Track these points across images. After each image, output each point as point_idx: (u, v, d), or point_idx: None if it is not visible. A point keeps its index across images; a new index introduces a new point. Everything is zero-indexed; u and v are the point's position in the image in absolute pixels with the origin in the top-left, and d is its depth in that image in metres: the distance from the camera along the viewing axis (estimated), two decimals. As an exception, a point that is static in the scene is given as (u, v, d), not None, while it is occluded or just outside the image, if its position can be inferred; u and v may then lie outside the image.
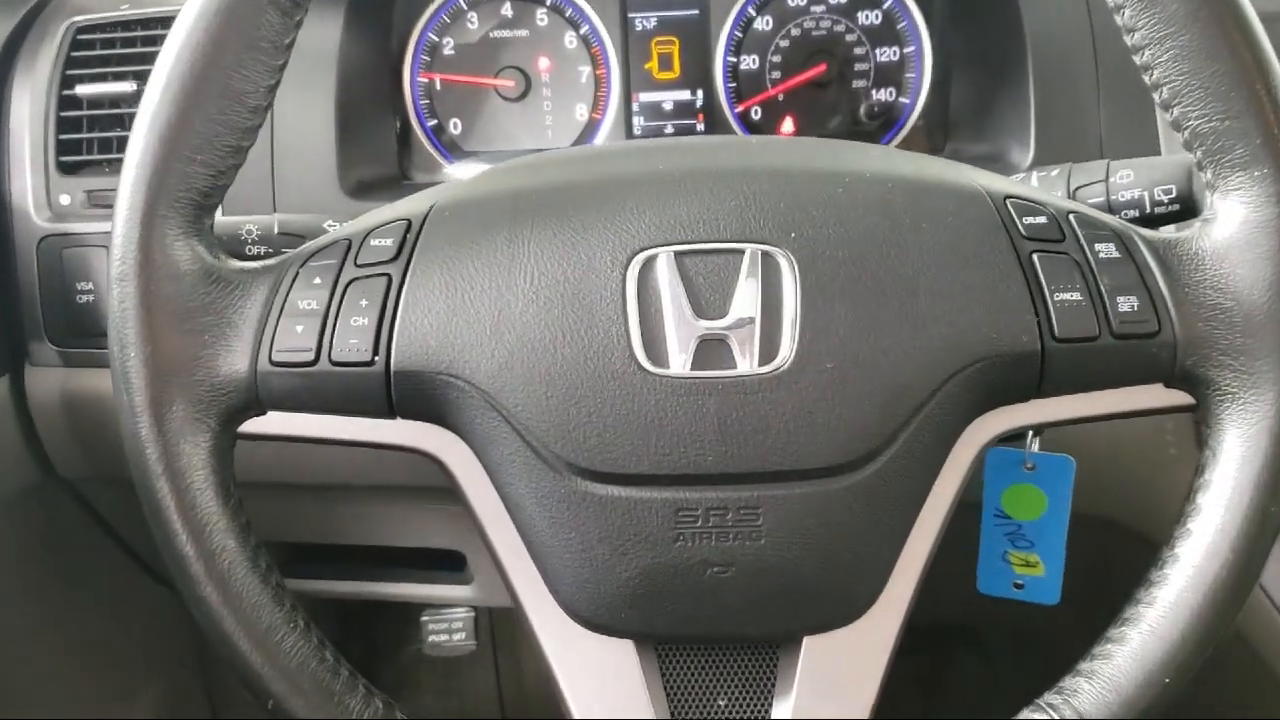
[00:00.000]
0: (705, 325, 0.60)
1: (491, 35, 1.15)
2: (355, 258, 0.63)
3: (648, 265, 0.61)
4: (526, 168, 0.69)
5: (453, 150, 1.16)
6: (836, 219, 0.62)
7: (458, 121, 1.16)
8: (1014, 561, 0.92)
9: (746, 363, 0.60)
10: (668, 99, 1.16)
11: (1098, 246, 0.62)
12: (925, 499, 0.63)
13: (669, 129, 1.17)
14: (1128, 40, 0.62)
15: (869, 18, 1.15)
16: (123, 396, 0.61)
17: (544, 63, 1.16)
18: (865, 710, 0.64)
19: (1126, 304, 0.61)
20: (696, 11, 1.15)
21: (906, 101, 1.16)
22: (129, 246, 0.61)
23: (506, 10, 1.15)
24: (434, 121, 1.16)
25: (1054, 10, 0.97)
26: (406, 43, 1.14)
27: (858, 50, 1.16)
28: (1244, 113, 0.59)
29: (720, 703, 0.65)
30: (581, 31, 1.15)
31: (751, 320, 0.60)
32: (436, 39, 1.15)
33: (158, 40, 1.07)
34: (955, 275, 0.61)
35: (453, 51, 1.15)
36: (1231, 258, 0.61)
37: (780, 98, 1.16)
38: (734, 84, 1.16)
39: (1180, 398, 0.64)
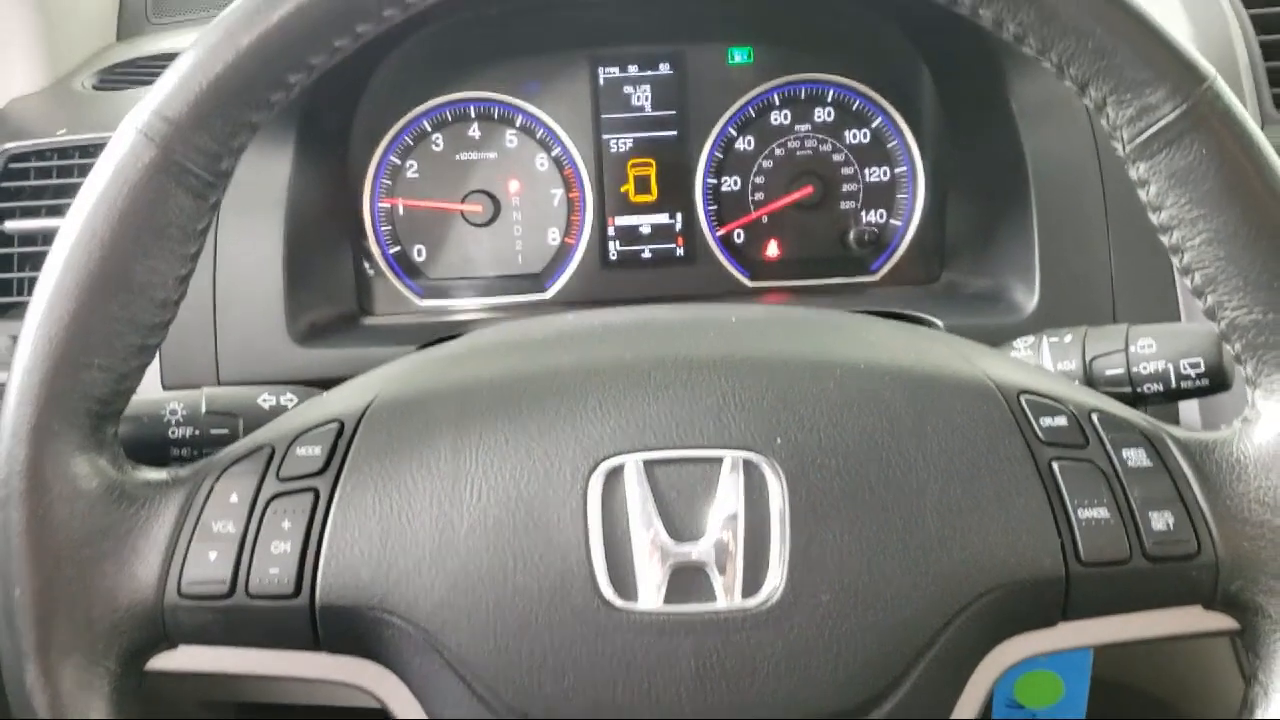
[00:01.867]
0: (679, 550, 0.52)
1: (458, 157, 1.08)
2: (278, 469, 0.55)
3: (613, 477, 0.53)
4: (476, 354, 0.61)
5: (416, 278, 1.09)
6: (828, 420, 0.54)
7: (421, 248, 1.09)
8: (1024, 752, 0.84)
9: (727, 595, 0.52)
10: (645, 223, 1.10)
11: (1126, 453, 0.55)
12: None
13: (646, 253, 1.10)
14: (1153, 219, 0.55)
15: (856, 136, 1.09)
16: (5, 639, 0.53)
17: (514, 185, 1.09)
18: None
19: (1161, 521, 0.54)
20: (675, 132, 1.09)
21: (899, 224, 1.09)
22: (13, 467, 0.52)
23: (474, 131, 1.08)
24: (396, 248, 1.08)
25: (1057, 138, 0.91)
26: (366, 167, 1.07)
27: (845, 170, 1.09)
28: None
29: None
30: (553, 153, 1.08)
31: (733, 544, 0.52)
32: (399, 162, 1.08)
33: (96, 170, 0.99)
34: (966, 488, 0.54)
35: (416, 174, 1.08)
36: (1279, 467, 0.54)
37: (764, 220, 1.10)
38: (715, 206, 1.09)
39: (1223, 621, 0.56)
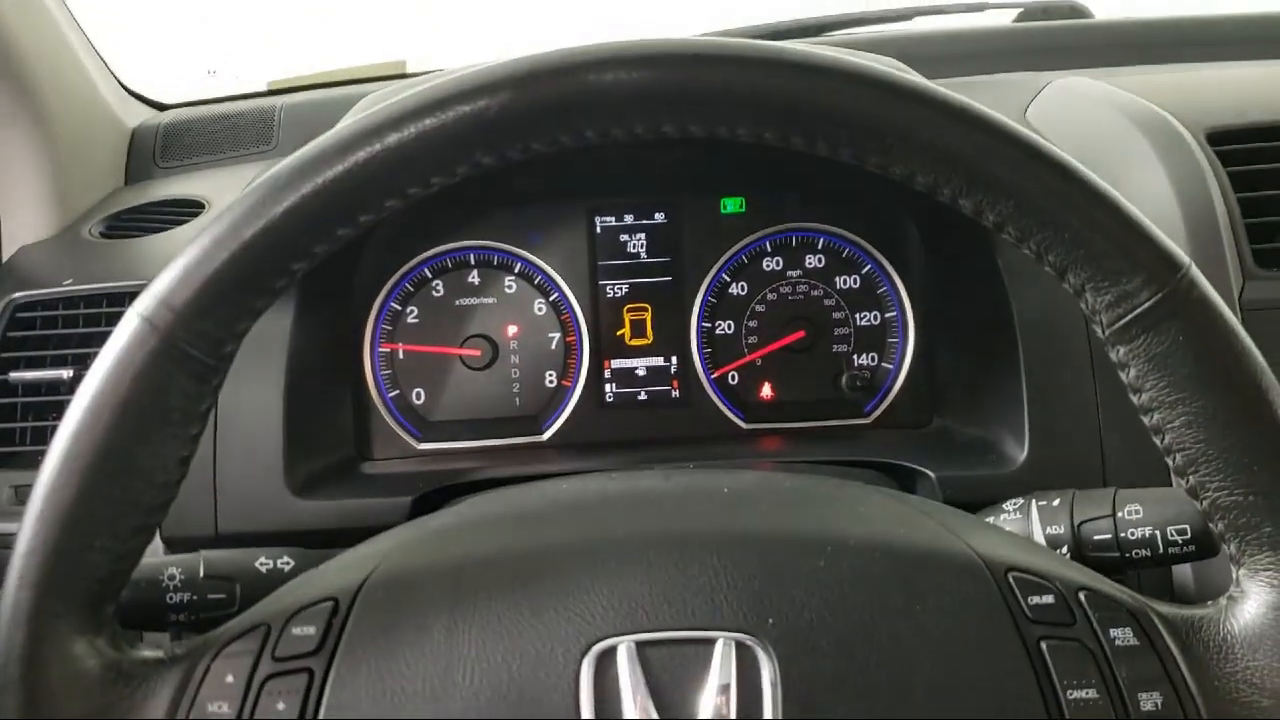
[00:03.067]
0: None
1: (458, 303, 1.10)
2: (274, 649, 0.56)
3: (606, 658, 0.54)
4: (471, 528, 0.62)
5: (415, 422, 1.10)
6: (820, 600, 0.55)
7: (421, 391, 1.10)
8: None
9: None
10: (640, 365, 1.11)
11: (1113, 632, 0.55)
12: None
13: (642, 395, 1.11)
14: (1134, 399, 0.56)
15: (847, 282, 1.11)
16: None
17: (512, 329, 1.11)
18: None
19: (1149, 701, 0.54)
20: (669, 278, 1.11)
21: (890, 368, 1.11)
22: (11, 652, 0.53)
23: (473, 278, 1.11)
24: (395, 392, 1.10)
25: (1044, 297, 0.93)
26: (367, 313, 1.09)
27: (837, 315, 1.11)
28: (1271, 488, 0.53)
29: None
30: (551, 298, 1.11)
31: None
32: (400, 307, 1.10)
33: (102, 319, 1.02)
34: (956, 669, 0.54)
35: (416, 319, 1.10)
36: (1266, 647, 0.54)
37: (758, 363, 1.11)
38: (709, 349, 1.11)
39: None
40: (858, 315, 1.11)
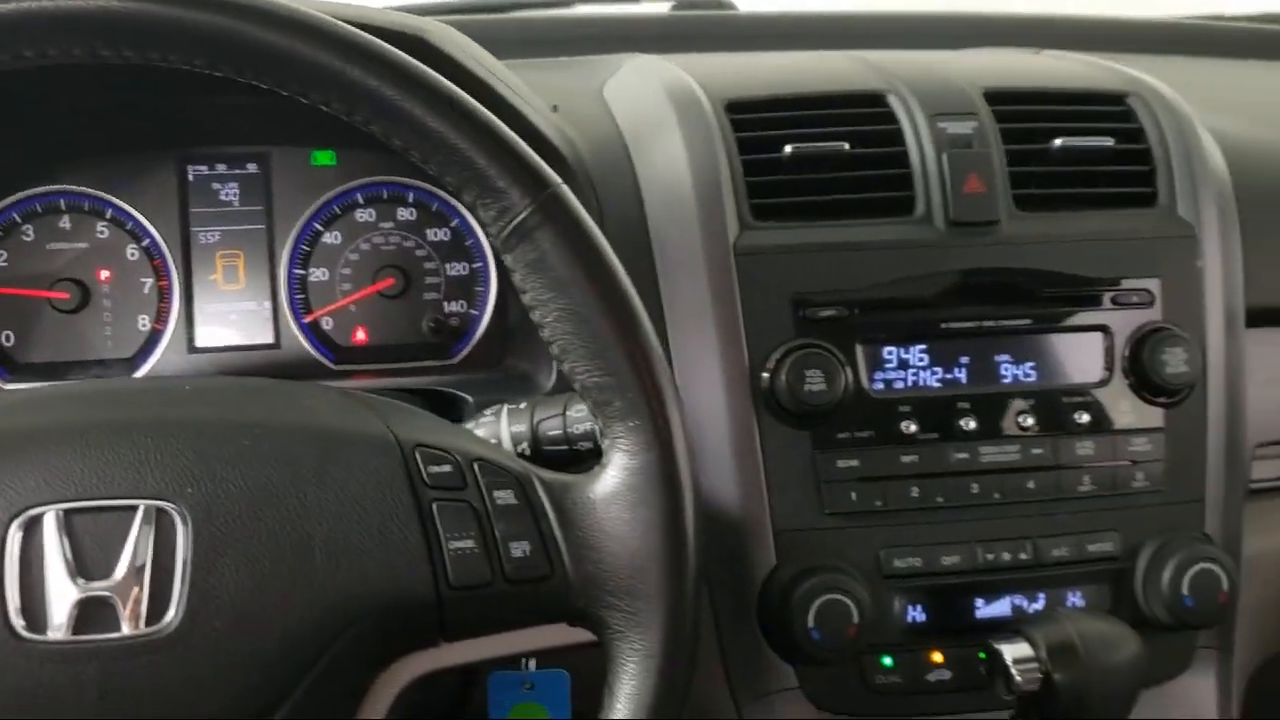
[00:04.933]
0: (89, 587, 0.59)
1: (49, 247, 1.13)
2: None
3: (32, 525, 0.60)
4: None
5: (5, 363, 1.12)
6: (239, 473, 0.63)
7: (10, 334, 1.12)
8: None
9: (132, 625, 0.59)
10: (234, 309, 1.17)
11: (496, 494, 0.66)
12: None
13: (234, 339, 1.17)
14: (523, 299, 0.67)
15: (438, 234, 1.20)
16: None
17: (104, 274, 1.14)
18: None
19: (519, 549, 0.65)
20: (262, 226, 1.17)
21: (476, 314, 1.20)
22: None
23: (64, 223, 1.13)
24: (-16, 334, 1.12)
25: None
26: None
27: (429, 264, 1.20)
28: (618, 369, 0.65)
29: None
30: (143, 244, 1.15)
31: (139, 580, 0.60)
32: (-12, 252, 1.12)
33: None
34: (352, 527, 0.63)
35: (6, 263, 1.12)
36: (618, 502, 0.65)
37: (352, 308, 1.19)
38: (302, 295, 1.17)
39: (584, 635, 0.67)
40: (448, 265, 1.20)
